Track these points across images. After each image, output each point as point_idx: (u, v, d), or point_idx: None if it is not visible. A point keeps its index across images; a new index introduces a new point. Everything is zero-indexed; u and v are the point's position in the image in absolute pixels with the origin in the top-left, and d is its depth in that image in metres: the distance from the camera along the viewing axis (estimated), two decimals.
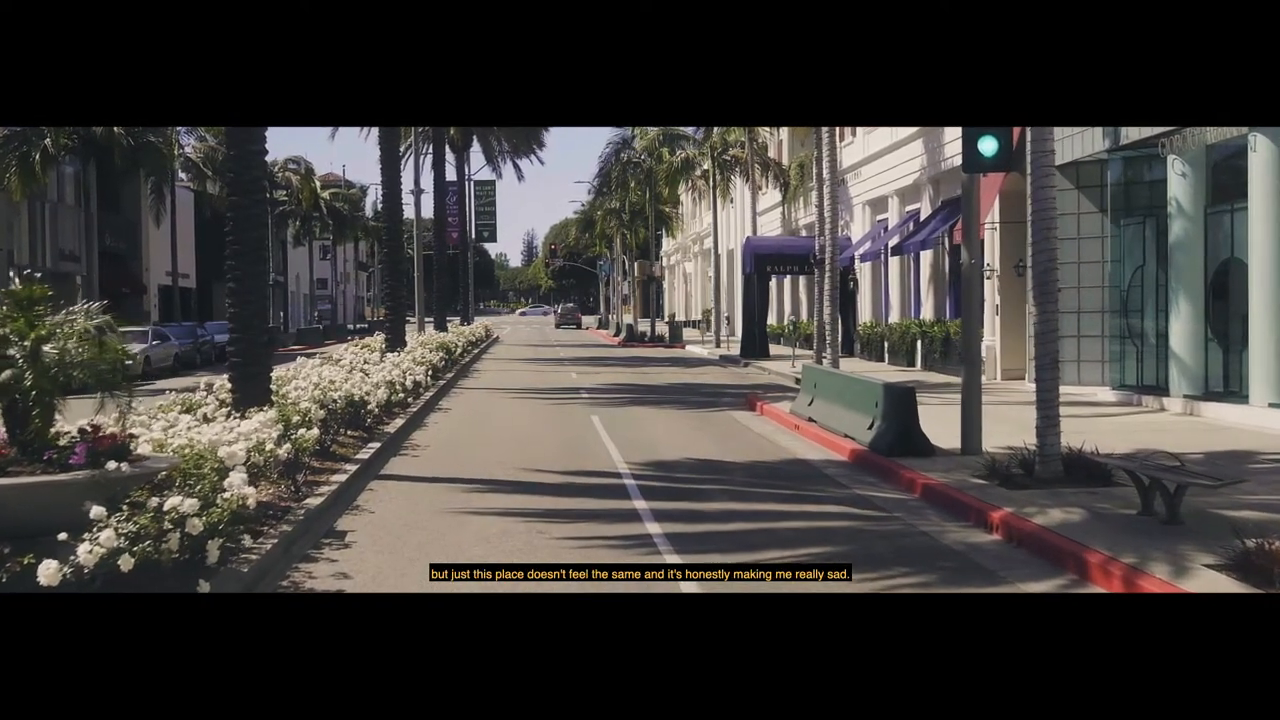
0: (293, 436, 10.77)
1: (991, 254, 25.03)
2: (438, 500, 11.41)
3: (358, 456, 13.35)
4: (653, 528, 10.04)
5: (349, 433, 15.09)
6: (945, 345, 26.90)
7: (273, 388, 15.08)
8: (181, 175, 48.57)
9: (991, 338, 25.06)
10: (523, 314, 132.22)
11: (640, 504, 11.17)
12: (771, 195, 45.30)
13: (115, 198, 46.52)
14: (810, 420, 17.50)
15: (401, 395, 18.95)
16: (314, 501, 10.35)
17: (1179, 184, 18.16)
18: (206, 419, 10.29)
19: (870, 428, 14.72)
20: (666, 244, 79.88)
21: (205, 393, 13.96)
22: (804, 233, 41.81)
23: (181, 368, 34.07)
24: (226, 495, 7.14)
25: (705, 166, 45.71)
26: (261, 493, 10.28)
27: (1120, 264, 20.61)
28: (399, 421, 17.20)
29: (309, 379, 15.33)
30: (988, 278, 25.24)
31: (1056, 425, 11.84)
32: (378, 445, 14.46)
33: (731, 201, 49.63)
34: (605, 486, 12.35)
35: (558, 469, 13.50)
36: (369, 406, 15.16)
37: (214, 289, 60.14)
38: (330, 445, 13.45)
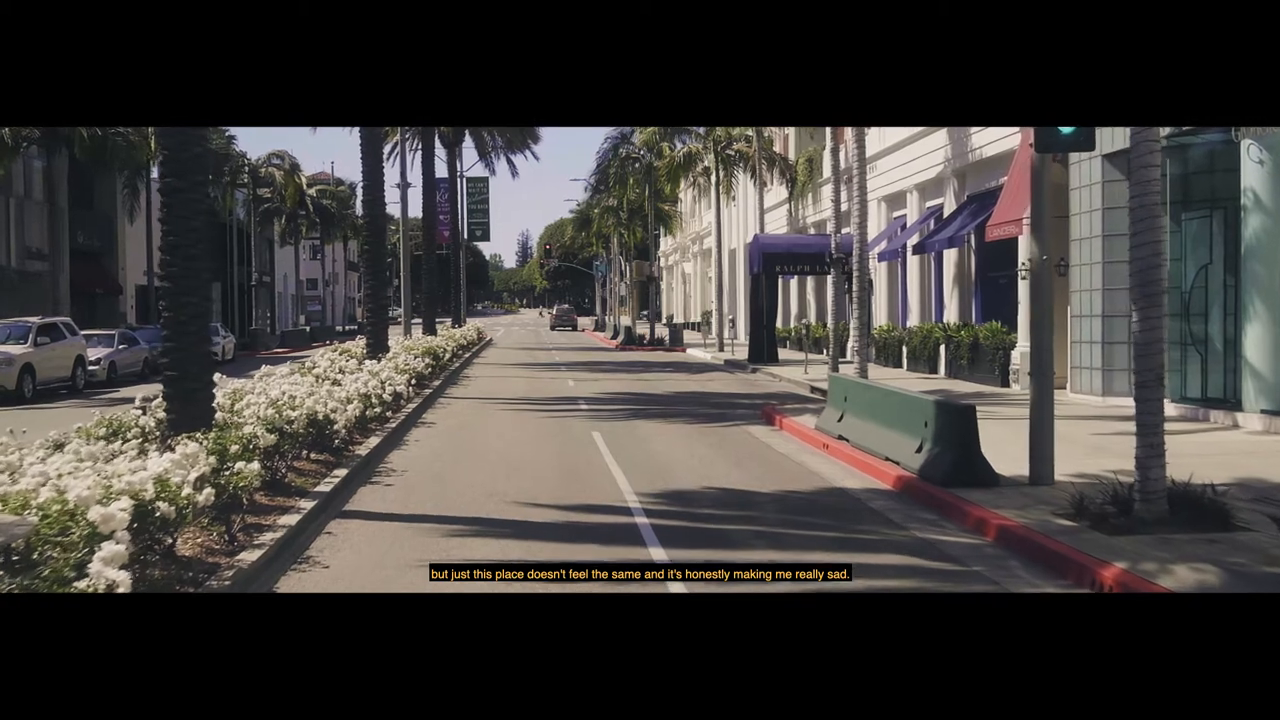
0: (227, 472, 8.65)
1: (1028, 252, 22.94)
2: (411, 548, 9.29)
3: (317, 489, 11.22)
4: (678, 591, 7.93)
5: (313, 456, 12.99)
6: (973, 351, 24.84)
7: (224, 402, 13.06)
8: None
9: (1026, 344, 22.97)
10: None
11: (659, 553, 9.07)
12: (777, 192, 43.20)
13: (89, 194, 44.31)
14: (841, 439, 15.42)
15: (379, 409, 16.83)
16: (250, 556, 8.22)
17: (1255, 173, 16.11)
18: (108, 457, 8.14)
19: (919, 451, 12.64)
20: (664, 244, 77.81)
21: (141, 410, 11.86)
22: (812, 230, 39.80)
23: (152, 374, 31.73)
24: (81, 585, 5.01)
25: (707, 162, 43.60)
26: (185, 545, 8.22)
27: (1181, 262, 18.54)
28: (373, 441, 15.07)
29: (266, 394, 13.23)
30: (1023, 278, 23.18)
31: (1161, 455, 9.76)
32: (345, 472, 12.33)
33: (733, 199, 47.50)
34: (614, 528, 10.23)
35: (556, 502, 11.38)
36: (335, 426, 13.03)
37: None
38: (285, 474, 11.35)
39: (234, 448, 9.21)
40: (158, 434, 11.09)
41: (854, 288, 19.66)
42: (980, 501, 10.84)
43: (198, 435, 9.38)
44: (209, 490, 7.45)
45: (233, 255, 56.42)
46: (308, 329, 63.17)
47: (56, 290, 37.57)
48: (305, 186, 57.41)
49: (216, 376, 14.86)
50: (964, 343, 25.24)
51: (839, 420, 15.91)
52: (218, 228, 55.18)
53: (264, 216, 56.65)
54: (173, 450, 8.83)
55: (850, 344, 31.35)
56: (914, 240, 29.09)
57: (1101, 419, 17.17)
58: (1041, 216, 11.90)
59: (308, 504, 10.35)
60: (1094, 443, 14.37)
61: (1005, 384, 23.31)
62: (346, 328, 70.74)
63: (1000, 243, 23.24)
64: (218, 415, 12.20)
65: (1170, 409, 18.20)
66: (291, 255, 69.51)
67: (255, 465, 8.83)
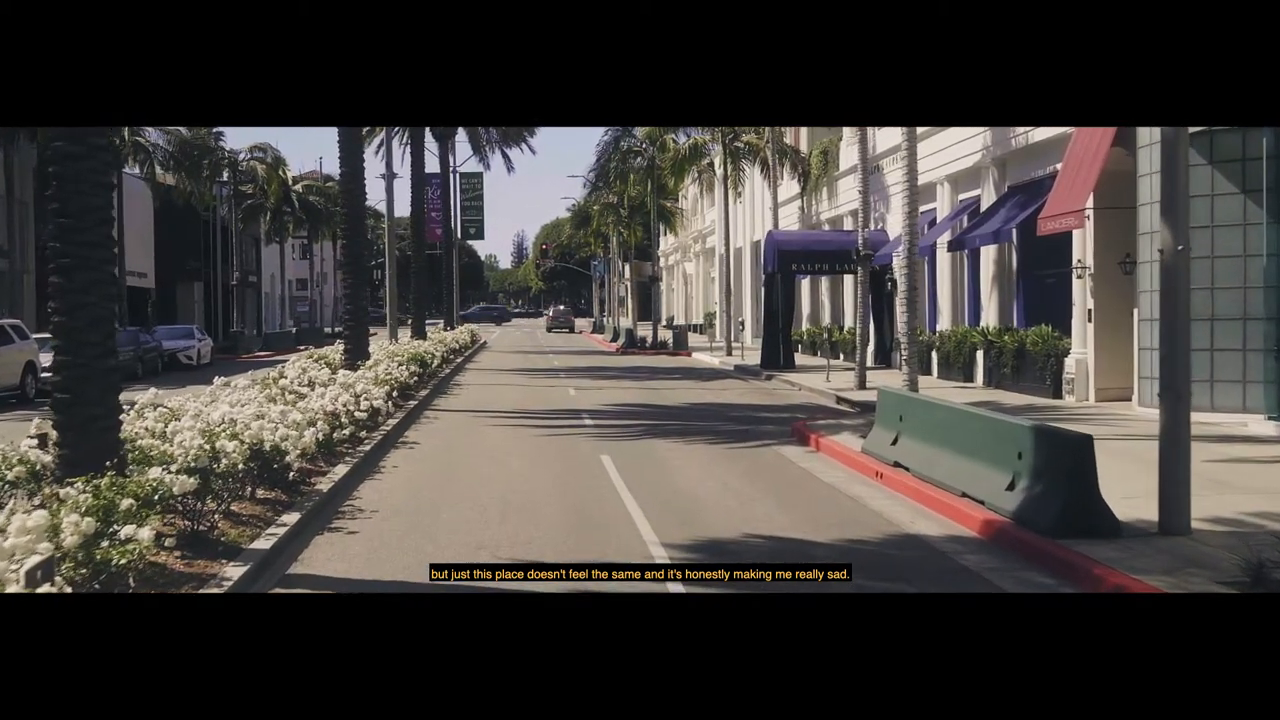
0: (105, 544, 6.17)
1: (1083, 249, 20.53)
2: None
3: (255, 544, 8.70)
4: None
5: (260, 493, 10.52)
6: (1019, 358, 22.38)
7: (157, 426, 10.67)
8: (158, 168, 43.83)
9: (1083, 350, 20.57)
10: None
11: None
12: (787, 186, 40.71)
13: None
14: (897, 466, 12.97)
15: (350, 428, 14.33)
16: None
17: None
18: None
19: (1011, 489, 10.20)
20: (664, 243, 75.27)
21: (37, 441, 9.41)
22: (826, 227, 37.38)
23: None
24: None
25: (713, 155, 41.10)
26: None
27: (1276, 258, 16.13)
28: (340, 470, 12.57)
29: (208, 416, 10.77)
30: (1078, 277, 20.77)
31: None
32: (297, 517, 9.81)
33: (740, 195, 44.99)
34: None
35: (565, 561, 8.89)
36: (288, 458, 10.51)
37: (177, 289, 55.37)
38: (215, 525, 8.86)
39: (126, 503, 6.72)
40: (51, 471, 8.65)
41: (900, 286, 17.17)
42: (1110, 560, 8.42)
43: (77, 484, 6.91)
44: (45, 590, 4.96)
45: (216, 254, 53.91)
46: (293, 331, 60.53)
47: (18, 290, 35.04)
48: (290, 182, 54.81)
49: (149, 393, 12.50)
50: (1008, 349, 22.77)
51: (893, 443, 13.46)
52: (199, 225, 52.73)
53: (248, 213, 54.09)
54: (61, 498, 6.42)
55: (871, 349, 29.01)
56: (946, 236, 26.62)
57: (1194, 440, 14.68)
58: (1175, 195, 9.42)
59: (237, 570, 7.83)
60: (1208, 473, 11.91)
61: (1057, 395, 20.88)
62: (336, 329, 68.12)
63: (1047, 239, 20.80)
64: (146, 442, 9.82)
65: (1266, 427, 15.80)
66: (278, 254, 66.97)
67: (146, 532, 6.32)
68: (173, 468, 8.06)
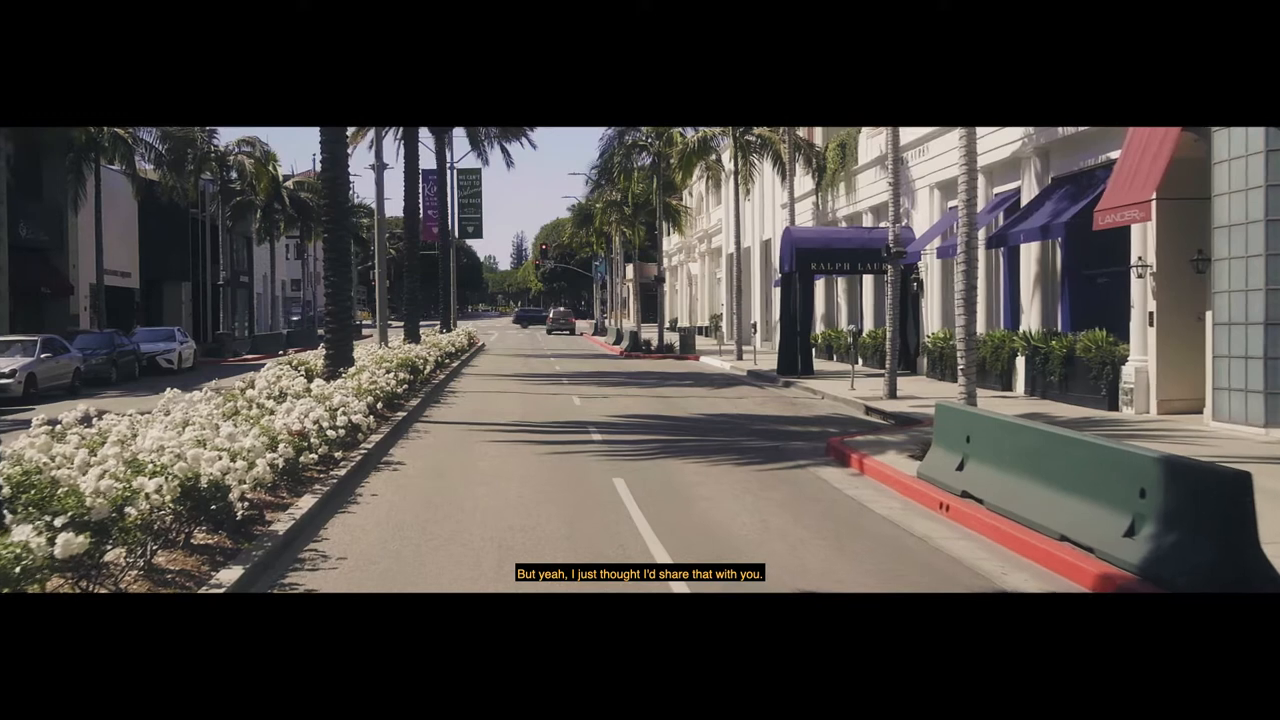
0: None
1: (1144, 245, 18.52)
2: None
3: None
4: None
5: (201, 535, 8.50)
6: (1067, 365, 20.35)
7: (81, 455, 8.61)
8: (144, 164, 41.81)
9: (1143, 357, 18.55)
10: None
11: None
12: (800, 183, 38.68)
13: (36, 182, 39.65)
14: (965, 496, 10.98)
15: (323, 448, 12.30)
16: None
17: None
18: None
19: (1131, 535, 8.20)
20: (667, 243, 73.30)
21: None
22: (843, 224, 35.39)
23: (86, 386, 27.31)
24: None
25: (722, 149, 39.06)
26: None
27: None
28: (306, 501, 10.53)
29: (134, 443, 8.75)
30: (1138, 276, 18.77)
31: None
32: (237, 574, 7.73)
33: (749, 192, 42.96)
34: None
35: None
36: (230, 496, 8.45)
37: (164, 289, 53.27)
38: (122, 589, 6.83)
39: None
40: None
41: (960, 284, 15.16)
42: None
43: None
44: None
45: (205, 253, 51.88)
46: (284, 333, 58.40)
47: None
48: (281, 179, 52.74)
49: (86, 406, 10.45)
50: (1054, 355, 20.73)
51: (958, 468, 11.46)
52: (187, 223, 50.71)
53: (238, 211, 52.02)
54: None
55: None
56: (982, 233, 24.54)
57: None
58: None
59: None
60: None
61: (1114, 406, 18.88)
62: None
63: (1097, 235, 18.84)
64: (61, 473, 7.78)
65: None
66: (270, 253, 64.94)
67: None
68: (57, 521, 6.04)
